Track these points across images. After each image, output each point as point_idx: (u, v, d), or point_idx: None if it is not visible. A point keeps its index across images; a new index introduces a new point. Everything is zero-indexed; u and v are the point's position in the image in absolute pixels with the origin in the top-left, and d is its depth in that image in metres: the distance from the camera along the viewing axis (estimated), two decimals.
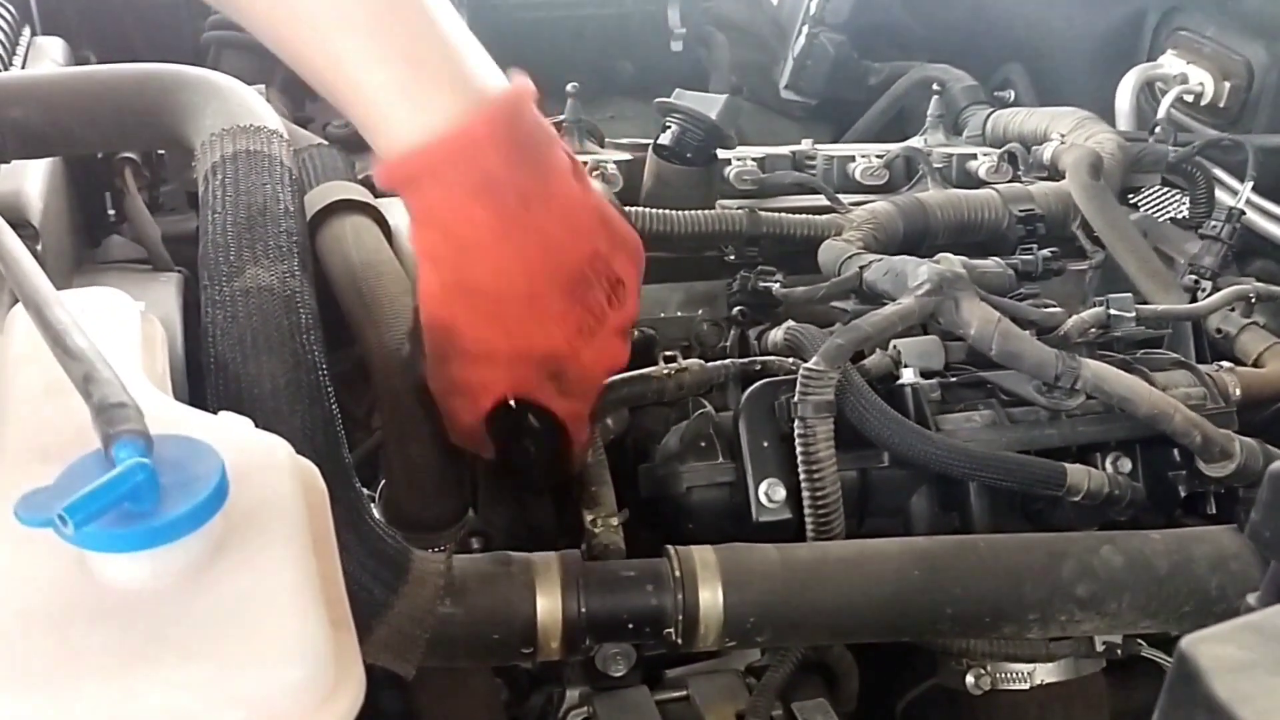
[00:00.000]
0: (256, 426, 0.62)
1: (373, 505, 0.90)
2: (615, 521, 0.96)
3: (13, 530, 0.50)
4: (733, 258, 1.27)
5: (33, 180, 1.00)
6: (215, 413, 0.63)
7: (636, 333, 1.15)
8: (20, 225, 0.92)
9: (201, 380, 0.80)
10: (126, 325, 0.72)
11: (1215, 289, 1.29)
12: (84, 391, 0.55)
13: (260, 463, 0.59)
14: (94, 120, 0.93)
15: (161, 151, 1.21)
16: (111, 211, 1.19)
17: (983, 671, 1.02)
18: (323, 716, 0.50)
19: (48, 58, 1.34)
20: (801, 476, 0.95)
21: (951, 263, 1.07)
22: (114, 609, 0.50)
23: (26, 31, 1.39)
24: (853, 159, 1.44)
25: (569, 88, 1.37)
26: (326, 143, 1.15)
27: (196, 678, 0.48)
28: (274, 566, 0.53)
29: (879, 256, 1.14)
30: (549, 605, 0.82)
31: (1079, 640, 1.01)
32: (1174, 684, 0.42)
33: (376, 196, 1.19)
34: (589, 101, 1.45)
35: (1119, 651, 1.03)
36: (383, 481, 0.96)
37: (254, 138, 0.88)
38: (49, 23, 1.47)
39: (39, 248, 0.93)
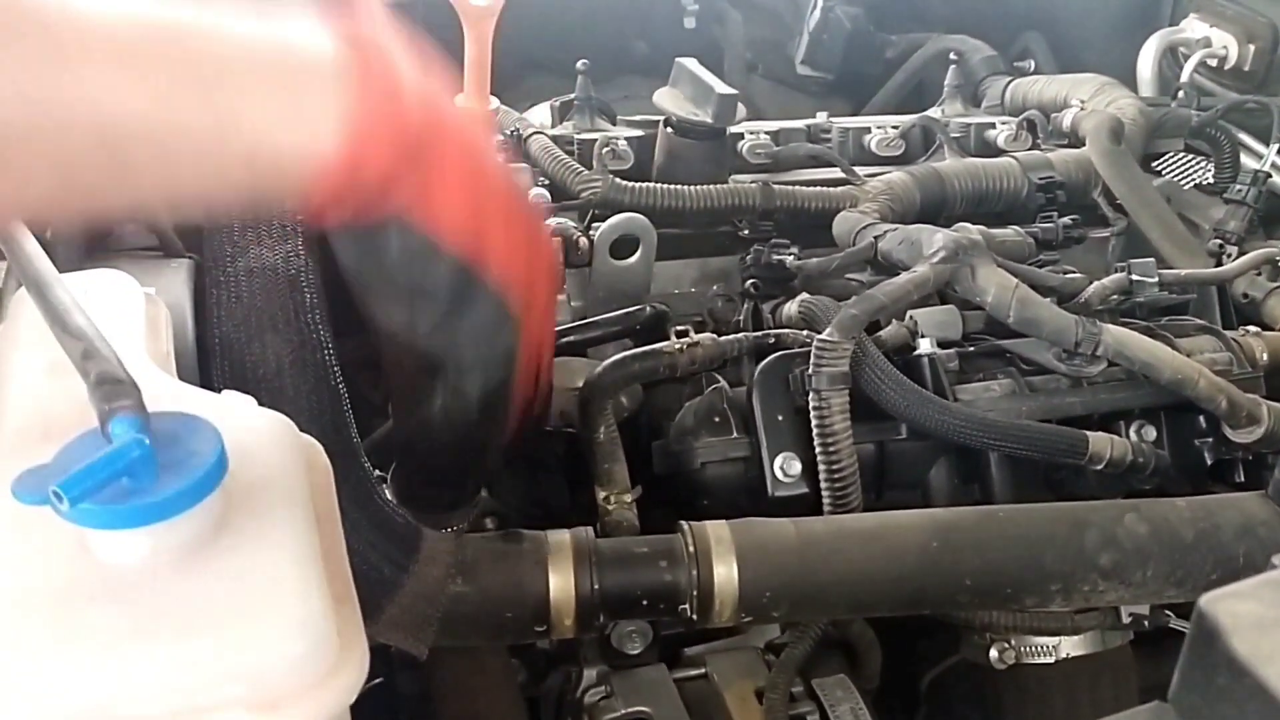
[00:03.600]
0: (261, 406, 0.62)
1: (384, 486, 0.89)
2: (629, 498, 0.96)
3: (12, 509, 0.49)
4: (746, 232, 1.26)
5: None
6: (219, 393, 0.63)
7: (650, 308, 1.14)
8: None
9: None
10: (130, 306, 0.71)
11: (1241, 253, 1.26)
12: (82, 369, 0.54)
13: (262, 440, 0.58)
14: None
15: None
16: None
17: (1006, 645, 1.01)
18: (325, 692, 0.50)
19: None
20: (817, 450, 0.94)
21: (969, 231, 1.05)
22: (113, 586, 0.50)
23: None
24: (868, 131, 1.42)
25: (579, 65, 1.36)
26: None
27: (196, 654, 0.48)
28: (275, 543, 0.53)
29: (894, 226, 1.12)
30: (562, 583, 0.81)
31: (1105, 612, 1.00)
32: (1194, 643, 0.41)
33: None
34: (603, 81, 1.44)
35: (1146, 623, 1.01)
36: (394, 463, 0.96)
37: None
38: None
39: (47, 234, 0.93)
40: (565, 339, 1.12)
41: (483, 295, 0.67)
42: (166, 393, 0.60)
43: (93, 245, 1.15)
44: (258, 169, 0.56)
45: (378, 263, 0.65)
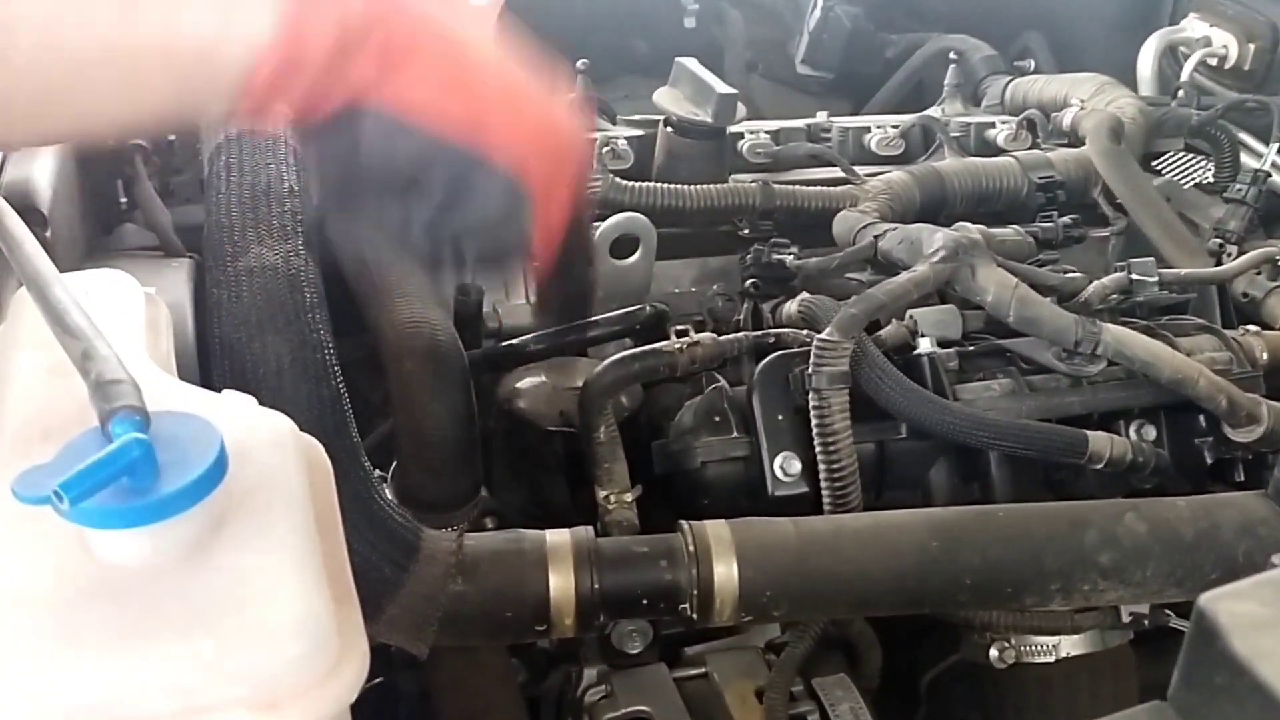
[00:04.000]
0: (261, 406, 0.62)
1: (385, 487, 0.89)
2: (629, 498, 0.96)
3: (12, 509, 0.49)
4: (746, 232, 1.26)
5: (42, 167, 1.00)
6: (220, 393, 0.63)
7: (650, 308, 1.14)
8: (28, 211, 0.91)
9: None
10: (130, 306, 0.71)
11: (1241, 253, 1.27)
12: (82, 368, 0.54)
13: (262, 439, 0.58)
14: None
15: (172, 138, 1.20)
16: (124, 199, 1.18)
17: (1006, 645, 1.01)
18: (325, 691, 0.50)
19: None
20: (817, 449, 0.94)
21: (968, 230, 1.06)
22: (114, 586, 0.50)
23: None
24: (868, 130, 1.43)
25: (579, 65, 1.36)
26: None
27: (197, 654, 0.48)
28: (276, 542, 0.53)
29: (894, 226, 1.12)
30: (562, 582, 0.81)
31: (1105, 611, 1.00)
32: (1193, 642, 0.41)
33: None
34: (603, 81, 1.44)
35: (1146, 623, 1.01)
36: (395, 463, 0.96)
37: None
38: None
39: (47, 234, 0.93)
40: (565, 339, 1.12)
41: (486, 180, 0.61)
42: (167, 393, 0.60)
43: (93, 245, 1.15)
44: (177, 61, 0.51)
45: (352, 157, 0.59)
